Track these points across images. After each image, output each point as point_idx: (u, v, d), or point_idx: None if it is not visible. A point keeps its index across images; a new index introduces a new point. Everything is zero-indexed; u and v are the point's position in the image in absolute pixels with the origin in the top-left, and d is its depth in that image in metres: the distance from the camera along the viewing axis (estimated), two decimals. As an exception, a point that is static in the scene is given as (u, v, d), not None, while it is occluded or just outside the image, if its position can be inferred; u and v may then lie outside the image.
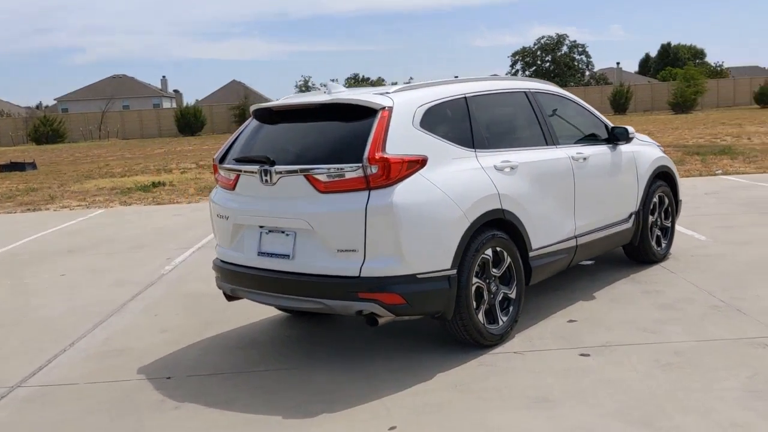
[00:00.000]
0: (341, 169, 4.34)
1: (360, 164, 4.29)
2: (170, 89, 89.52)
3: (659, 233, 6.86)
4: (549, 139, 5.59)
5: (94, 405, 4.34)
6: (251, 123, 5.16)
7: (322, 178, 4.40)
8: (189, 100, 76.01)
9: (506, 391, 4.10)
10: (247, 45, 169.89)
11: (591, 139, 6.14)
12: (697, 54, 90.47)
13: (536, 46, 75.56)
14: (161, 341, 5.45)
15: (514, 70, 75.43)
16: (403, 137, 4.44)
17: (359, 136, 4.43)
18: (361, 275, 4.30)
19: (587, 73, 76.56)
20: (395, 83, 5.85)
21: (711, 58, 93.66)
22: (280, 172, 4.54)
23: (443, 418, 3.82)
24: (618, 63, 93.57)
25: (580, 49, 75.39)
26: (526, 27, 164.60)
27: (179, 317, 6.08)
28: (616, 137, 6.23)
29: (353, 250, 4.32)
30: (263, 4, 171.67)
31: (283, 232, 4.61)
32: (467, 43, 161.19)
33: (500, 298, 4.86)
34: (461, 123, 4.91)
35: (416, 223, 4.32)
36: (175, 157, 29.27)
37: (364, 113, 4.51)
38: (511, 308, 4.93)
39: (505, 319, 4.87)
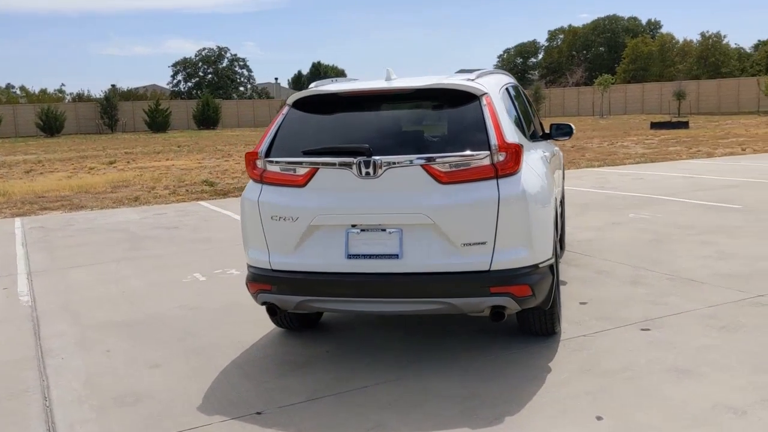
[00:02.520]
0: (467, 157, 4.06)
1: (488, 152, 4.06)
2: None
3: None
4: (535, 131, 5.83)
5: (215, 458, 3.43)
6: (294, 113, 4.49)
7: (444, 168, 4.06)
8: None
9: (636, 369, 4.22)
10: None
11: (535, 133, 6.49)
12: (340, 73, 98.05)
13: (198, 58, 74.76)
14: (172, 378, 4.45)
15: (176, 81, 73.63)
16: (503, 124, 4.31)
17: (470, 123, 4.19)
18: (492, 269, 4.07)
19: (249, 86, 78.02)
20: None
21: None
22: (389, 163, 4.07)
23: (625, 399, 3.80)
24: (276, 78, 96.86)
25: (241, 63, 76.54)
26: (160, 39, 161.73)
27: (144, 349, 4.99)
28: (549, 134, 6.66)
29: (482, 243, 4.06)
30: None
31: (384, 229, 4.13)
32: (98, 52, 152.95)
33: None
34: (513, 112, 4.90)
35: (538, 210, 4.23)
36: None
37: (462, 99, 4.28)
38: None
39: (559, 305, 4.98)
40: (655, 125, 35.54)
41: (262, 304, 4.46)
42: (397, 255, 4.09)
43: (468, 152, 4.07)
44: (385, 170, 4.07)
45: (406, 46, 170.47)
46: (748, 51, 79.86)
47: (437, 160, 4.05)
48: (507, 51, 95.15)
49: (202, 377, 4.44)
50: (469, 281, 4.06)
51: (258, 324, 5.37)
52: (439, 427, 3.62)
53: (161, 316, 5.77)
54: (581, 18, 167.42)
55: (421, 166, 4.06)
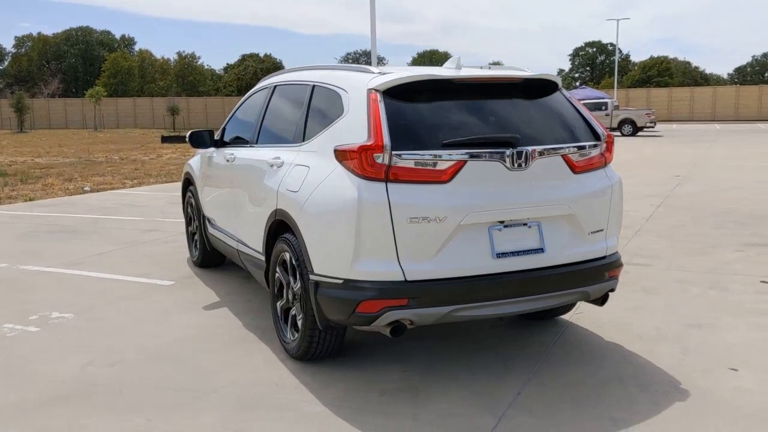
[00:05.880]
0: (589, 146, 4.13)
1: (600, 141, 4.19)
2: None
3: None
4: None
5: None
6: (392, 101, 3.80)
7: (576, 157, 4.05)
8: None
9: (665, 330, 4.78)
10: None
11: None
12: None
13: None
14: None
15: None
16: None
17: (569, 113, 4.24)
18: (607, 254, 4.21)
19: None
20: None
21: None
22: (539, 153, 3.86)
23: (717, 353, 4.35)
24: None
25: None
26: None
27: (147, 426, 3.58)
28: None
29: (600, 230, 4.17)
30: None
31: (525, 224, 3.88)
32: None
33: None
34: None
35: None
36: None
37: (550, 89, 4.27)
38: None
39: None
40: (165, 139, 35.23)
41: (388, 324, 3.69)
42: (542, 249, 3.91)
43: (592, 142, 4.15)
44: (534, 161, 3.86)
45: None
46: (219, 72, 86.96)
47: (571, 149, 4.03)
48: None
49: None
50: (596, 268, 4.11)
51: (228, 365, 4.34)
52: (653, 411, 3.62)
53: (88, 382, 4.09)
54: (23, 27, 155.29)
55: (562, 156, 3.98)
